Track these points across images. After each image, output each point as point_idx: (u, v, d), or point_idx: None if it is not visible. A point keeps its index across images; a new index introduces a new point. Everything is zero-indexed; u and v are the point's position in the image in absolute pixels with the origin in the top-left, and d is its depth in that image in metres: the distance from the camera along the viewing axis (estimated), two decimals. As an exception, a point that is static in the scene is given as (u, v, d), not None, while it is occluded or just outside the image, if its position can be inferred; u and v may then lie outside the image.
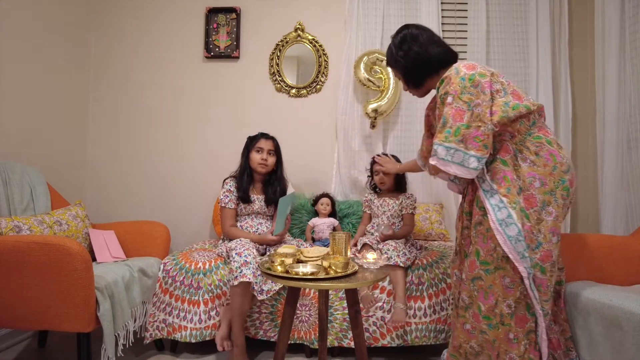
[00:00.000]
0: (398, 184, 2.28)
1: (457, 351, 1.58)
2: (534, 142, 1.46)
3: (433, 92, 1.67)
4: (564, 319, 1.59)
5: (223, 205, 2.19)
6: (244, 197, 2.20)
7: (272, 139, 2.31)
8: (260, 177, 2.30)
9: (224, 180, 2.27)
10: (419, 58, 1.56)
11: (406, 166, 2.11)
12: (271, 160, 2.26)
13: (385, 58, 1.71)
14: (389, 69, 1.83)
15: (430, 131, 1.76)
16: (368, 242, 2.09)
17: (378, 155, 2.29)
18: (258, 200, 2.25)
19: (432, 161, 1.46)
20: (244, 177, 2.23)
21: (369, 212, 2.33)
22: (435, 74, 1.58)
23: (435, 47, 1.57)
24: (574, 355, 1.55)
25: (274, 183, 2.29)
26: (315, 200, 2.56)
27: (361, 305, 1.93)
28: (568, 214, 2.71)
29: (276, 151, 2.30)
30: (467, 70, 1.44)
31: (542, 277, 1.40)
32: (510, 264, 1.41)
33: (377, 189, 2.35)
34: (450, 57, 1.58)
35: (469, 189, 1.57)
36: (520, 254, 1.38)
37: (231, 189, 2.21)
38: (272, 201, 2.26)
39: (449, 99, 1.42)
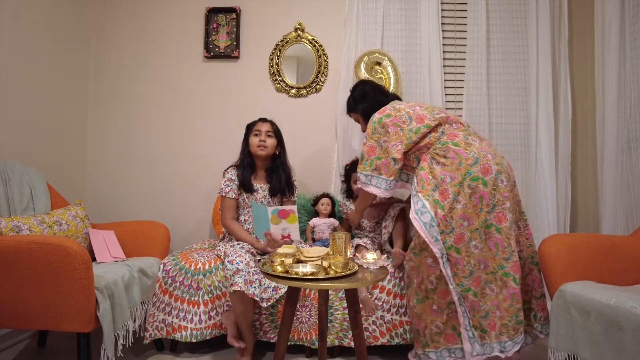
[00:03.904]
0: None
1: (422, 333, 1.77)
2: (442, 148, 1.78)
3: None
4: (535, 296, 1.83)
5: (223, 194, 2.12)
6: (246, 185, 2.13)
7: (270, 121, 2.24)
8: (262, 163, 2.22)
9: (225, 170, 2.21)
10: (373, 102, 2.04)
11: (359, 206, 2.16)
12: (270, 141, 2.17)
13: (346, 107, 2.18)
14: (348, 115, 2.26)
15: None
16: (362, 244, 2.09)
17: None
18: (262, 189, 2.19)
19: (357, 184, 1.92)
20: (245, 165, 2.17)
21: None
22: None
23: (384, 95, 2.10)
24: (520, 338, 1.67)
25: (278, 170, 2.21)
26: (316, 201, 2.56)
27: (361, 306, 1.93)
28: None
29: (276, 134, 2.22)
30: (377, 115, 1.91)
31: (458, 256, 1.67)
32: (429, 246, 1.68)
33: (354, 195, 2.34)
34: (395, 99, 2.08)
35: None
36: (434, 238, 1.65)
37: (232, 178, 2.14)
38: (277, 191, 2.19)
39: (365, 140, 1.92)
